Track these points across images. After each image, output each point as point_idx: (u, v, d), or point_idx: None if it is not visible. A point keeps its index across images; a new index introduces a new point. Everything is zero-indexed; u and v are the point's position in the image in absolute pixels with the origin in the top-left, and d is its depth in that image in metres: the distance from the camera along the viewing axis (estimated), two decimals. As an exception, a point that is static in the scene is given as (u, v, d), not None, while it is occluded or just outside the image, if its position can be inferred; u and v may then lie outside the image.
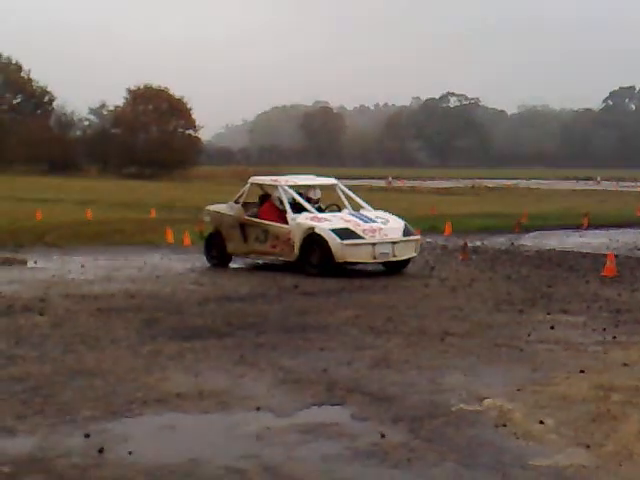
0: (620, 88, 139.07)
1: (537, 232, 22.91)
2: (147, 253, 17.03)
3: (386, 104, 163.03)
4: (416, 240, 14.40)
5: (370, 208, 15.13)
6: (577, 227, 24.38)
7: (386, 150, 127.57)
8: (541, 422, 5.81)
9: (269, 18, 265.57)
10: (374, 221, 14.13)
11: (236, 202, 15.32)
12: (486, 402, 6.32)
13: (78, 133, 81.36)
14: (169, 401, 6.39)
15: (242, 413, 6.13)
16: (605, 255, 14.81)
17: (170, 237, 19.29)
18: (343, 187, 15.81)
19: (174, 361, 7.65)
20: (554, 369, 7.36)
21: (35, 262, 15.44)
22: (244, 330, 9.05)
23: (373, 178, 66.46)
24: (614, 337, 8.77)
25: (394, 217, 14.73)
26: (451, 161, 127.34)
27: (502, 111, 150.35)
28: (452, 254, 16.96)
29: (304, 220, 13.95)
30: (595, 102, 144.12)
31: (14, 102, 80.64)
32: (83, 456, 5.20)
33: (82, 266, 14.82)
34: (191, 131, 78.99)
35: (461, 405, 6.26)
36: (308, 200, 14.68)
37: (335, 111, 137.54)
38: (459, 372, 7.25)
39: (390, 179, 63.37)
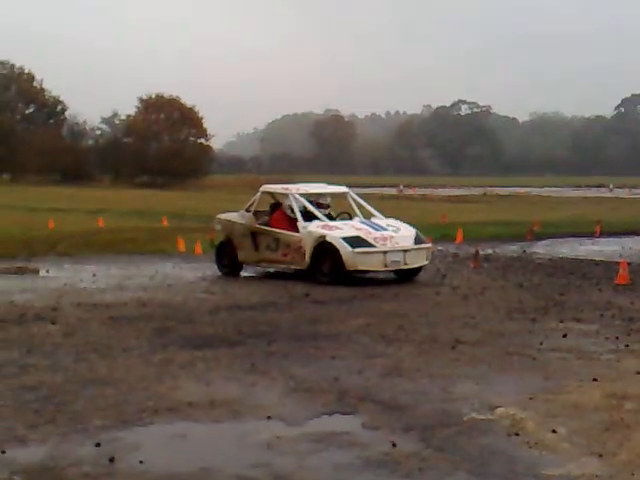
0: (632, 95, 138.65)
1: (549, 240, 22.83)
2: (159, 262, 17.07)
3: (397, 112, 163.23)
4: (427, 248, 14.37)
5: (381, 216, 15.12)
6: (590, 235, 24.26)
7: (397, 158, 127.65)
8: (554, 431, 5.78)
9: (281, 28, 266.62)
10: (385, 229, 14.12)
11: (247, 210, 15.34)
12: (498, 411, 6.29)
13: (90, 142, 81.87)
14: (180, 410, 6.39)
15: (253, 422, 6.12)
16: (618, 263, 14.73)
17: (181, 246, 19.32)
18: (354, 195, 15.80)
19: (185, 370, 7.66)
20: (566, 377, 7.32)
21: (47, 271, 15.50)
22: (255, 339, 9.05)
23: (384, 186, 66.43)
24: (627, 345, 8.72)
25: (405, 225, 14.72)
26: (462, 169, 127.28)
27: (514, 119, 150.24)
28: (463, 262, 16.92)
29: (315, 228, 13.96)
30: (607, 109, 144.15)
31: (27, 112, 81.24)
32: (94, 465, 5.20)
33: (94, 275, 14.87)
34: (202, 140, 79.34)
35: (473, 414, 6.23)
36: (318, 205, 14.70)
37: (346, 119, 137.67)
38: (471, 381, 7.22)
39: (401, 187, 63.36)
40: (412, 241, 14.04)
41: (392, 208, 24.19)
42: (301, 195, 14.94)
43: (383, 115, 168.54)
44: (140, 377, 7.36)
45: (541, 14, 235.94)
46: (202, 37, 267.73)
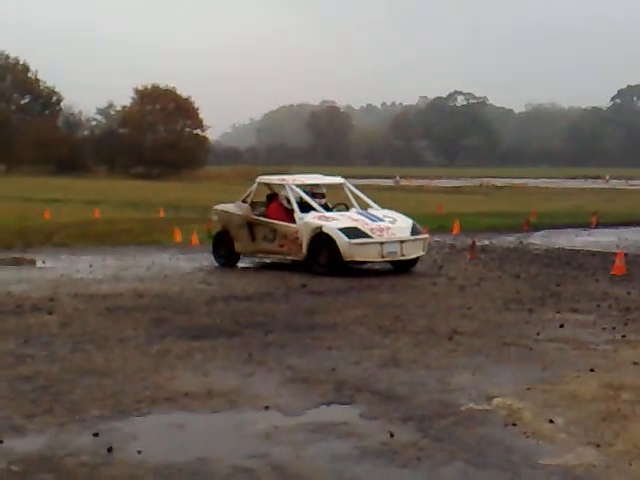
0: (628, 86, 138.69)
1: (546, 231, 22.85)
2: (155, 253, 17.06)
3: (393, 103, 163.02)
4: (424, 239, 14.37)
5: (378, 207, 15.11)
6: (586, 226, 24.30)
7: (393, 149, 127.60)
8: (551, 421, 5.79)
9: (275, 19, 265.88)
10: (382, 220, 14.11)
11: (244, 201, 15.32)
12: (495, 401, 6.30)
13: (86, 133, 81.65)
14: (178, 400, 6.39)
15: (251, 412, 6.13)
16: (614, 254, 14.76)
17: (178, 237, 19.31)
18: (351, 186, 15.79)
19: (183, 360, 7.66)
20: (564, 368, 7.33)
21: (44, 262, 15.47)
22: (252, 329, 9.05)
23: (381, 177, 66.40)
24: (623, 336, 8.74)
25: (402, 216, 14.71)
26: (459, 160, 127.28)
27: (510, 110, 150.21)
28: (460, 253, 16.93)
29: (312, 219, 13.95)
30: (603, 100, 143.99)
31: (22, 102, 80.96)
32: (92, 455, 5.20)
33: (90, 266, 14.85)
34: (198, 131, 79.17)
35: (470, 404, 6.24)
36: (313, 195, 14.69)
37: (342, 110, 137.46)
38: (468, 371, 7.23)
39: (398, 178, 63.32)
40: (409, 232, 14.04)
41: (389, 199, 24.15)
42: (297, 186, 14.92)
43: (379, 106, 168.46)
44: (137, 367, 7.36)
45: (537, 5, 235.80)
46: (198, 28, 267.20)
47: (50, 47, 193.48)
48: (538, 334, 8.80)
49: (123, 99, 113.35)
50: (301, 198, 14.66)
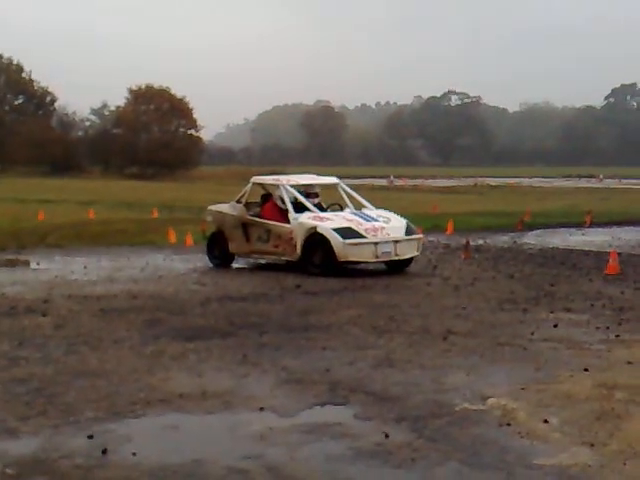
0: (622, 85, 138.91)
1: (540, 230, 22.88)
2: (149, 253, 17.04)
3: (387, 103, 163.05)
4: (418, 239, 14.39)
5: (372, 207, 15.12)
6: (580, 225, 24.34)
7: (388, 149, 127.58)
8: (545, 421, 5.80)
9: (271, 20, 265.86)
10: (376, 220, 14.12)
11: (238, 202, 15.31)
12: (490, 401, 6.31)
13: (80, 134, 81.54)
14: (172, 401, 6.38)
15: (245, 413, 6.12)
16: (608, 253, 14.78)
17: (172, 237, 19.29)
18: (345, 186, 15.80)
19: (177, 361, 7.65)
20: (558, 368, 7.34)
21: (38, 263, 15.45)
22: (247, 330, 9.05)
23: (375, 177, 66.41)
24: (617, 335, 8.76)
25: (396, 216, 14.73)
26: (453, 159, 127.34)
27: (504, 109, 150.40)
28: (454, 253, 16.94)
29: (306, 219, 13.95)
30: (597, 100, 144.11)
31: (16, 103, 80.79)
32: (86, 457, 5.20)
33: (84, 267, 14.83)
34: (193, 131, 79.08)
35: (465, 404, 6.25)
36: (307, 195, 14.70)
37: (336, 110, 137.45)
38: (462, 371, 7.24)
39: (392, 178, 63.32)
40: (403, 232, 14.05)
41: (383, 199, 24.17)
42: (292, 186, 14.92)
43: (373, 106, 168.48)
44: (131, 369, 7.35)
45: (532, 6, 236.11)
46: (192, 28, 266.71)
47: (44, 47, 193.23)
48: (532, 334, 8.82)
49: (117, 99, 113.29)
50: (295, 198, 14.67)
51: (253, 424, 5.83)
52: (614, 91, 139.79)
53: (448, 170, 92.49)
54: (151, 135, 77.41)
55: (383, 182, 59.01)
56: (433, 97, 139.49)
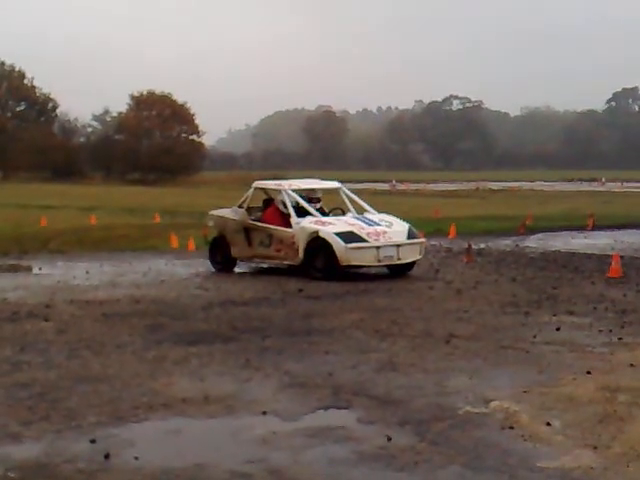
0: (623, 89, 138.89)
1: (542, 234, 22.87)
2: (151, 258, 17.04)
3: (389, 107, 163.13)
4: (420, 243, 14.38)
5: (374, 211, 15.12)
6: (582, 228, 24.32)
7: (389, 153, 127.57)
8: (548, 424, 5.79)
9: (272, 26, 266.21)
10: (378, 224, 14.13)
11: (240, 207, 15.32)
12: (492, 404, 6.30)
13: (82, 140, 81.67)
14: (175, 406, 6.38)
15: (248, 417, 6.12)
16: (610, 256, 14.77)
17: (174, 242, 19.29)
18: (347, 191, 15.80)
19: (179, 366, 7.65)
20: (560, 370, 7.34)
21: (40, 268, 15.46)
22: (249, 334, 9.05)
23: (377, 182, 66.35)
24: (620, 338, 8.75)
25: (398, 220, 14.72)
26: (454, 164, 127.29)
27: (505, 113, 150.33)
28: (457, 257, 16.94)
29: (308, 224, 13.95)
30: (598, 103, 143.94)
31: (18, 109, 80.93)
32: (89, 461, 5.19)
33: (87, 272, 14.84)
34: (194, 136, 79.18)
35: (467, 408, 6.24)
36: (309, 200, 14.70)
37: (338, 115, 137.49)
38: (465, 375, 7.23)
39: (394, 182, 63.31)
40: (405, 236, 14.04)
41: (385, 203, 24.16)
42: (294, 191, 14.93)
43: (375, 110, 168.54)
44: (134, 373, 7.35)
45: (533, 9, 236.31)
46: (194, 34, 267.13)
47: (46, 53, 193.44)
48: (535, 337, 8.81)
49: (119, 105, 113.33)
50: (297, 203, 14.67)
51: (256, 428, 5.83)
52: (616, 95, 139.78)
53: (450, 174, 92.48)
54: (153, 141, 77.51)
55: (385, 186, 58.96)
56: (434, 102, 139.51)
